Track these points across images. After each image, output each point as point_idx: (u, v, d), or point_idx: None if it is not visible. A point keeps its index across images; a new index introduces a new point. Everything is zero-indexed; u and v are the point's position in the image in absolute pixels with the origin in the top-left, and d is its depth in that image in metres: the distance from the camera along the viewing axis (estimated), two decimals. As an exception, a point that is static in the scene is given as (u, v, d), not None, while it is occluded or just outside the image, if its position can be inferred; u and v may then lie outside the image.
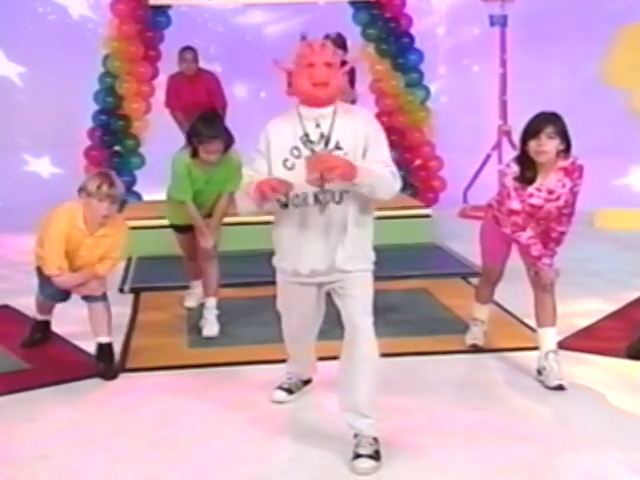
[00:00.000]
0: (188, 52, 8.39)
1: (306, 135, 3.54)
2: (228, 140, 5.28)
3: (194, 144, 5.25)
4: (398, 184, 3.56)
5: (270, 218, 3.79)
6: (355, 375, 3.56)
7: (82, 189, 4.62)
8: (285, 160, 3.55)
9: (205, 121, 5.29)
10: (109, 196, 4.57)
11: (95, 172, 4.79)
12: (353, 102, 3.67)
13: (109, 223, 4.68)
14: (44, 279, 4.90)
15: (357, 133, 3.53)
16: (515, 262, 4.67)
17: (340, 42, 7.66)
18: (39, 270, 4.94)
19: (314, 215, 3.57)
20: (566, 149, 4.32)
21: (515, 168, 4.38)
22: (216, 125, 5.29)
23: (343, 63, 3.74)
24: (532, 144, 4.28)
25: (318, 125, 3.55)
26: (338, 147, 3.53)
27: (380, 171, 3.49)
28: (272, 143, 3.57)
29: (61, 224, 4.66)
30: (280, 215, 3.67)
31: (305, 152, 3.51)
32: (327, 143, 3.53)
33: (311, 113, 3.55)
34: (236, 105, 8.74)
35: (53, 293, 4.91)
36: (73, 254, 4.71)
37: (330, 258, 3.59)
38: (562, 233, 4.49)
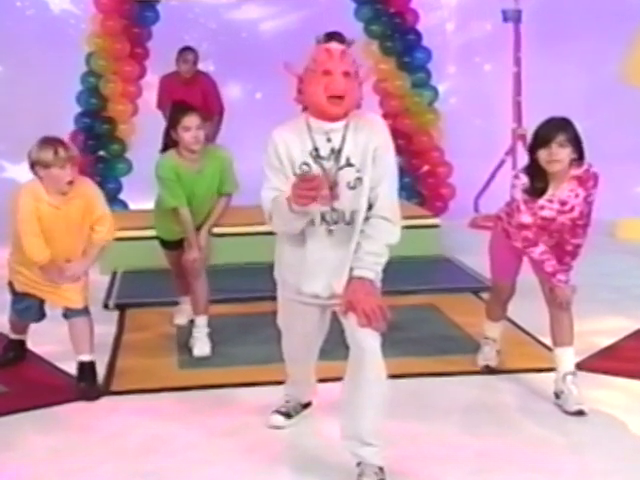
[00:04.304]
0: (190, 53, 8.41)
1: (316, 150, 3.52)
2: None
3: (173, 130, 5.33)
4: (397, 229, 3.57)
5: (265, 228, 3.79)
6: (360, 401, 3.54)
7: (36, 163, 4.54)
8: (295, 175, 3.51)
9: (177, 104, 5.63)
10: (68, 159, 4.51)
11: (39, 140, 4.63)
12: (358, 106, 3.63)
13: (74, 186, 4.63)
14: (17, 295, 4.89)
15: (367, 146, 3.52)
16: (529, 275, 4.66)
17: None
18: (11, 285, 4.93)
19: (320, 236, 3.59)
20: (579, 157, 4.32)
21: (524, 179, 4.37)
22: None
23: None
24: (542, 154, 4.28)
25: (329, 140, 3.53)
26: (349, 164, 3.53)
27: (382, 248, 3.52)
28: (282, 156, 3.53)
29: (27, 203, 4.59)
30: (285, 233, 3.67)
31: (315, 168, 3.51)
32: (337, 159, 3.52)
33: (322, 126, 3.53)
34: (230, 107, 8.75)
35: (26, 310, 4.89)
36: (51, 233, 4.64)
37: (333, 285, 3.60)
38: (577, 246, 4.48)
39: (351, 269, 3.51)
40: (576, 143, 4.28)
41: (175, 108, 5.50)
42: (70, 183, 4.56)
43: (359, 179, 3.52)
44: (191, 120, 5.26)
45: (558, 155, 4.25)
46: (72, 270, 4.70)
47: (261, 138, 3.75)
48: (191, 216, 5.42)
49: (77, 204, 4.65)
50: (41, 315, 4.94)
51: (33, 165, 4.57)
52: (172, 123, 5.34)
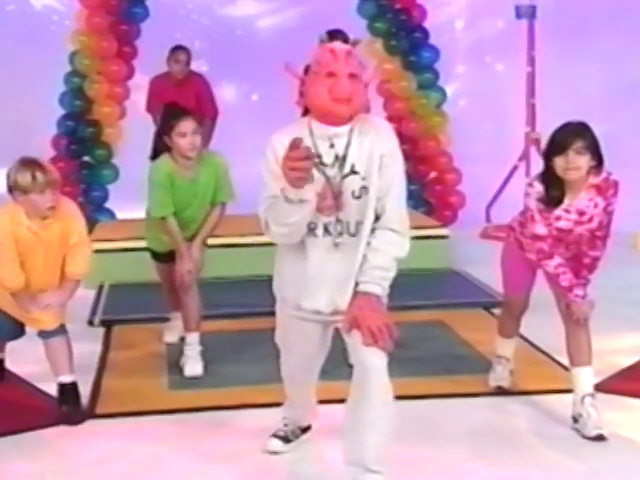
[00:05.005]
0: (182, 53, 8.41)
1: (319, 156, 3.52)
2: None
3: (166, 136, 5.31)
4: (406, 242, 3.59)
5: (262, 240, 3.80)
6: (364, 425, 3.53)
7: (14, 188, 4.51)
8: None
9: (171, 107, 5.62)
10: (48, 184, 4.48)
11: (17, 162, 4.59)
12: (367, 111, 3.64)
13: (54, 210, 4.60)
14: None
15: (373, 152, 3.53)
16: (544, 289, 4.66)
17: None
18: None
19: (323, 248, 3.59)
20: (597, 164, 4.32)
21: (539, 187, 4.37)
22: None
23: None
24: (559, 161, 4.28)
25: (332, 145, 3.54)
26: (354, 171, 3.53)
27: (389, 261, 3.54)
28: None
29: (4, 225, 4.57)
30: (284, 244, 3.67)
31: (317, 175, 3.49)
32: (342, 166, 3.53)
33: (325, 131, 3.54)
34: (224, 110, 8.76)
35: (0, 328, 4.87)
36: (27, 258, 4.62)
37: (336, 300, 3.60)
38: (596, 259, 4.49)
39: (356, 284, 3.52)
40: (595, 150, 4.28)
41: (168, 112, 5.48)
42: (51, 208, 4.55)
43: (364, 188, 3.53)
44: (187, 125, 5.25)
45: (575, 163, 4.25)
46: (46, 301, 4.69)
47: (258, 143, 3.76)
48: (185, 226, 5.43)
49: (55, 228, 4.64)
50: (19, 332, 4.91)
51: (11, 189, 4.55)
52: (165, 129, 5.32)
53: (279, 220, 3.48)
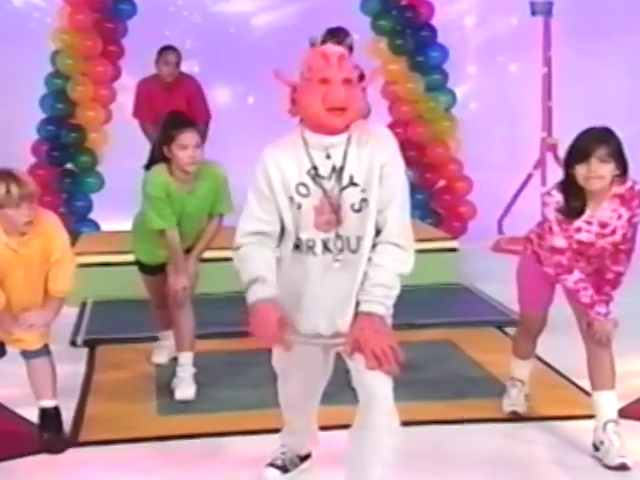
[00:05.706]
0: (171, 53, 8.37)
1: (315, 169, 3.52)
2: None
3: (166, 146, 5.30)
4: (410, 257, 3.56)
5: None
6: (367, 455, 3.52)
7: None
8: (290, 199, 3.54)
9: (174, 116, 5.64)
10: (24, 197, 4.46)
11: None
12: (366, 115, 3.63)
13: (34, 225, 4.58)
14: None
15: (372, 163, 3.52)
16: (563, 306, 4.65)
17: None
18: None
19: (321, 266, 3.58)
20: (621, 172, 4.31)
21: (558, 197, 4.37)
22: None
23: (361, 76, 3.69)
24: (580, 170, 4.27)
25: (329, 156, 3.53)
26: (353, 182, 3.52)
27: (392, 278, 3.51)
28: (273, 179, 3.53)
29: None
30: (280, 261, 3.66)
31: (314, 189, 3.51)
32: (340, 178, 3.52)
33: (320, 141, 3.53)
34: (218, 114, 8.75)
35: None
36: (6, 277, 4.59)
37: (337, 322, 3.60)
38: (619, 274, 4.48)
39: (358, 304, 3.50)
40: (619, 157, 4.27)
41: (170, 121, 5.48)
42: (29, 223, 4.53)
43: (364, 200, 3.52)
44: (188, 137, 5.25)
45: (598, 171, 4.24)
46: (29, 321, 4.66)
47: (254, 148, 3.74)
48: (181, 238, 5.42)
49: (36, 244, 4.62)
50: (0, 353, 4.91)
51: None
52: (166, 139, 5.31)
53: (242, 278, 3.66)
